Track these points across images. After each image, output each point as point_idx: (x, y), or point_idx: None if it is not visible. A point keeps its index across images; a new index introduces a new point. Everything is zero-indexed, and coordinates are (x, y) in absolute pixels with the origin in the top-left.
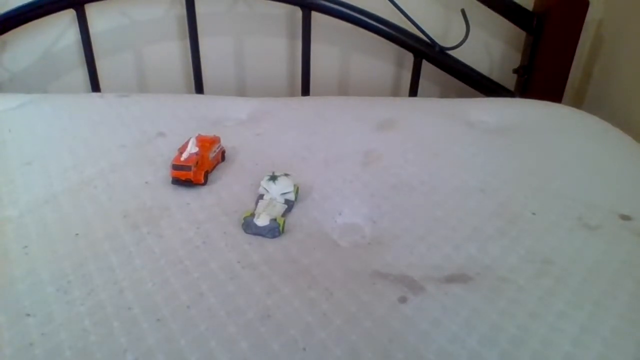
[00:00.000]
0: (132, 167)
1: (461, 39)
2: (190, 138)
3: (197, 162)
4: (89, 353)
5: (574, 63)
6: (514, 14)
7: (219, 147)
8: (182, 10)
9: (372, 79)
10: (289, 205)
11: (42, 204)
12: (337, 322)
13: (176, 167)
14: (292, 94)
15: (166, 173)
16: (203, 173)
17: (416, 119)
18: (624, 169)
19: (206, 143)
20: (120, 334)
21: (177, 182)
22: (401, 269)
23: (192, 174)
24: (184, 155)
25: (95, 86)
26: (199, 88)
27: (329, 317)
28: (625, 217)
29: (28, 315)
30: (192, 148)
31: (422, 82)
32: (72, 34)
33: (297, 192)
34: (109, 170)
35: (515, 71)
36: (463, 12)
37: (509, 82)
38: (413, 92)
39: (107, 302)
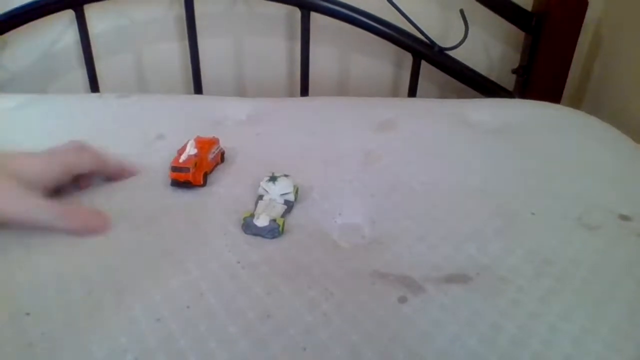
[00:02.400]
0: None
1: (460, 39)
2: (189, 140)
3: (195, 164)
4: (89, 353)
5: (573, 63)
6: (513, 14)
7: (218, 148)
8: (181, 11)
9: (371, 80)
10: (289, 205)
11: None
12: (337, 322)
13: (175, 169)
14: (291, 95)
15: (165, 174)
16: (202, 174)
17: (416, 119)
18: (623, 169)
19: (205, 144)
20: (120, 334)
21: (176, 183)
22: (401, 269)
23: (191, 175)
24: (183, 157)
25: (94, 86)
26: (198, 88)
27: (329, 317)
28: (625, 217)
29: (28, 314)
30: (190, 150)
31: (421, 83)
32: (72, 35)
33: (296, 192)
34: None
35: (514, 71)
36: (462, 12)
37: (508, 82)
38: (412, 92)
39: (107, 302)
